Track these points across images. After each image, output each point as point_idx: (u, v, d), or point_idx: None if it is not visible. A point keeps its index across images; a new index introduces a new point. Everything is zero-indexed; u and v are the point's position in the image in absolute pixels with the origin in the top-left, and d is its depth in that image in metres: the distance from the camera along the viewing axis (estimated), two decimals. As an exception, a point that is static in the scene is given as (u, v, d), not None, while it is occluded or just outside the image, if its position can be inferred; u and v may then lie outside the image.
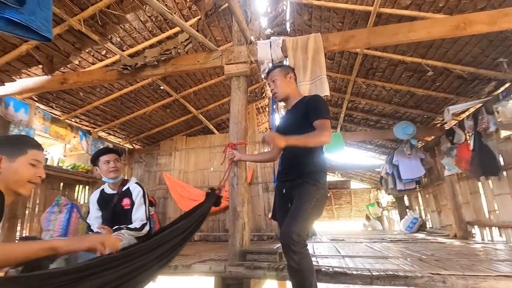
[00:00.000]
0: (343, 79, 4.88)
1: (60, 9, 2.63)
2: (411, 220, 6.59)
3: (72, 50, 3.14)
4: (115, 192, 2.42)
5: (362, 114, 5.96)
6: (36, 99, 4.08)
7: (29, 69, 3.35)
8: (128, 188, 2.49)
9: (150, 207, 2.99)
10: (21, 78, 3.41)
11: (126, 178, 2.62)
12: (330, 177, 11.53)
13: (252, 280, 2.31)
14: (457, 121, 4.81)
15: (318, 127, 1.76)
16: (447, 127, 5.08)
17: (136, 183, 2.57)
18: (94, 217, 2.40)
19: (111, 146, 5.44)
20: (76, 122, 4.85)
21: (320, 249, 3.53)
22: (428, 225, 6.52)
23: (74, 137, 4.66)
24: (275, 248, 3.08)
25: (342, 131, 6.67)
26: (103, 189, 2.47)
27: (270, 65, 2.86)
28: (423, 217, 6.73)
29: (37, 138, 4.12)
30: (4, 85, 3.21)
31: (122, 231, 2.22)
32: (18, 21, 1.23)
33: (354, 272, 2.02)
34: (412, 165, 5.85)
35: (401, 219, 7.36)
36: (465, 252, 3.12)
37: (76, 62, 3.61)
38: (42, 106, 4.23)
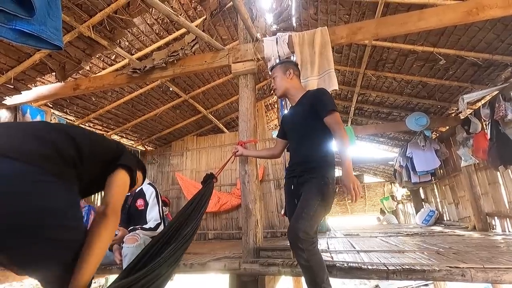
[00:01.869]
0: (352, 72, 4.81)
1: (70, 17, 2.69)
2: (427, 213, 6.46)
3: (83, 57, 3.21)
4: (129, 193, 2.48)
5: (373, 107, 5.86)
6: (51, 105, 4.20)
7: (43, 77, 3.46)
8: (142, 189, 2.55)
9: (164, 207, 3.05)
10: (36, 86, 3.52)
11: None
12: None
13: (267, 277, 2.32)
14: (472, 110, 4.66)
15: (331, 124, 1.74)
16: (462, 116, 4.93)
17: (149, 183, 2.62)
18: None
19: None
20: (90, 127, 4.98)
21: (334, 244, 3.51)
22: (445, 217, 6.37)
23: (88, 141, 4.79)
24: (288, 244, 3.09)
25: (353, 125, 6.57)
26: None
27: (277, 61, 2.85)
28: (440, 209, 6.58)
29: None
30: (20, 93, 3.33)
31: (137, 231, 2.28)
32: (29, 32, 1.27)
33: (370, 267, 2.00)
34: (427, 156, 5.71)
35: (416, 212, 7.22)
36: (485, 244, 3.04)
37: (87, 68, 3.70)
38: (57, 112, 4.35)
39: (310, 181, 1.69)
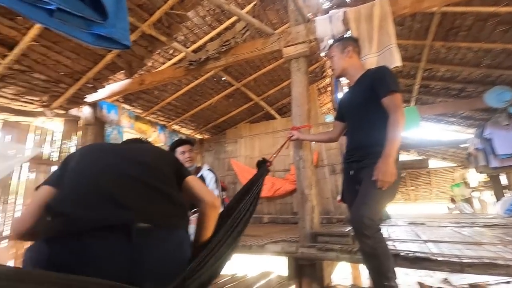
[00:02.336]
0: (416, 46, 4.32)
1: (133, 18, 2.93)
2: (510, 202, 5.62)
3: (146, 53, 3.49)
4: None
5: (442, 83, 5.21)
6: (121, 100, 4.70)
7: (114, 75, 3.87)
8: (202, 174, 2.72)
9: (222, 192, 3.22)
10: (108, 83, 3.97)
11: (199, 165, 2.87)
12: (405, 157, 10.55)
13: (325, 262, 2.32)
14: None
15: (389, 106, 1.61)
16: (561, 88, 4.09)
17: (209, 169, 2.78)
18: None
19: (183, 137, 5.98)
20: (154, 118, 5.45)
21: (396, 232, 3.31)
22: (536, 207, 5.46)
23: (153, 131, 5.27)
24: (346, 230, 3.02)
25: (417, 105, 5.96)
26: None
27: (330, 41, 2.71)
28: (528, 198, 5.66)
29: (125, 134, 4.75)
30: (97, 91, 3.79)
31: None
32: (104, 34, 1.43)
33: (440, 258, 1.84)
34: (511, 137, 4.92)
35: (497, 201, 6.34)
36: None
37: (150, 63, 4.02)
38: (126, 106, 4.86)
39: (372, 166, 1.60)
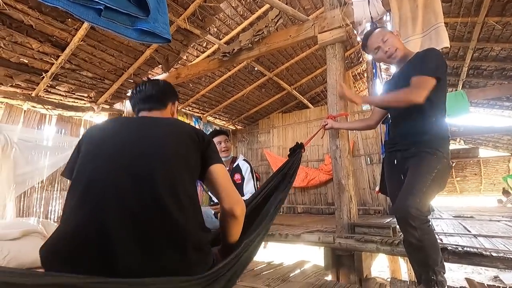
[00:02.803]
0: (466, 23, 3.93)
1: (169, 12, 3.02)
2: None
3: (181, 47, 3.60)
4: (227, 169, 2.74)
5: (496, 64, 4.70)
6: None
7: (152, 70, 4.05)
8: (238, 164, 2.78)
9: (256, 182, 3.26)
10: (148, 78, 4.16)
11: (235, 156, 2.92)
12: (451, 145, 9.80)
13: (364, 253, 2.27)
14: None
15: (412, 84, 1.51)
16: None
17: (244, 160, 2.83)
18: None
19: (218, 128, 6.12)
20: (190, 110, 5.63)
21: (441, 226, 3.12)
22: None
23: (189, 123, 5.46)
24: (385, 222, 2.91)
25: (466, 88, 5.47)
26: None
27: (368, 25, 2.56)
28: None
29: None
30: (138, 86, 4.00)
31: None
32: (147, 29, 1.50)
33: (494, 254, 1.71)
34: None
35: (560, 194, 5.67)
36: None
37: (185, 57, 4.14)
38: (164, 100, 5.07)
39: (420, 155, 1.51)
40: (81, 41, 2.95)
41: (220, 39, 3.97)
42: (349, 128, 2.50)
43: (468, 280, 2.07)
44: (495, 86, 5.15)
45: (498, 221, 3.58)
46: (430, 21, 2.26)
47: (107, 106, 4.26)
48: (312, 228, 2.97)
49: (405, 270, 4.73)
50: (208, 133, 5.49)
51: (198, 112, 5.80)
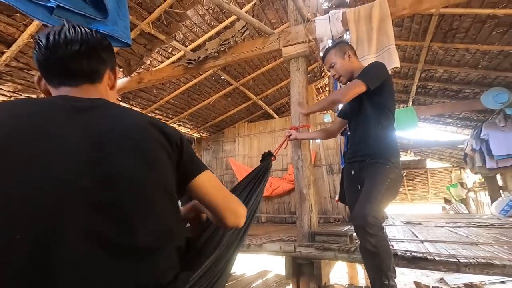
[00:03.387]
0: (414, 47, 4.34)
1: (132, 16, 2.92)
2: (506, 203, 5.65)
3: (144, 52, 3.48)
4: None
5: (439, 84, 5.24)
6: (120, 99, 4.68)
7: (113, 73, 3.85)
8: None
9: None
10: (107, 81, 3.94)
11: None
12: (403, 157, 10.60)
13: (323, 261, 2.33)
14: None
15: (345, 85, 1.69)
16: (557, 90, 4.13)
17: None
18: None
19: (182, 136, 5.97)
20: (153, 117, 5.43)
21: (393, 232, 3.33)
22: (531, 208, 5.52)
23: (151, 130, 5.25)
24: (343, 230, 3.03)
25: (415, 105, 6.00)
26: None
27: (330, 42, 2.71)
28: (523, 199, 5.71)
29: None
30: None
31: None
32: (105, 32, 1.43)
33: (437, 258, 1.86)
34: (508, 138, 4.96)
35: (492, 202, 6.39)
36: None
37: (148, 62, 4.01)
38: (125, 105, 4.84)
39: (374, 166, 1.62)
40: (32, 38, 2.72)
41: (186, 46, 3.92)
42: (311, 138, 2.60)
43: (416, 283, 2.22)
44: (439, 104, 5.72)
45: (442, 227, 3.91)
46: (383, 43, 2.46)
47: (60, 109, 3.94)
48: (274, 237, 2.99)
49: (362, 276, 4.95)
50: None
51: (161, 119, 5.61)
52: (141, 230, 0.59)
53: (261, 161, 1.95)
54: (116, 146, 0.62)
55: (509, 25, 3.41)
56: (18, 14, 2.48)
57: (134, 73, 3.79)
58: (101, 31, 1.43)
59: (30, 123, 0.59)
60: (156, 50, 3.78)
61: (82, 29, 0.71)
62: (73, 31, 0.69)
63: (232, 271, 2.87)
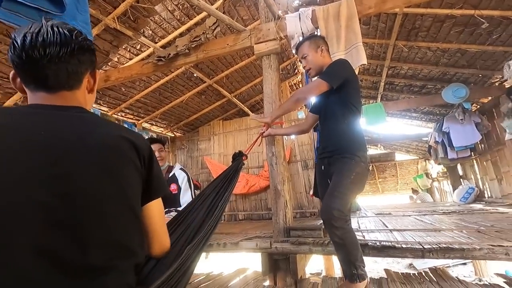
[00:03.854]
0: (381, 44, 4.52)
1: (96, 10, 2.77)
2: (466, 190, 6.12)
3: (111, 48, 3.32)
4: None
5: (405, 81, 5.52)
6: (85, 98, 4.44)
7: (77, 71, 3.64)
8: (174, 174, 2.66)
9: (195, 190, 3.17)
10: (71, 80, 3.72)
11: (171, 165, 2.80)
12: (373, 151, 11.06)
13: (298, 255, 2.37)
14: (520, 77, 4.23)
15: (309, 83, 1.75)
16: (507, 85, 4.50)
17: (181, 169, 2.73)
18: None
19: (154, 136, 5.79)
20: (122, 116, 5.22)
21: (365, 223, 3.47)
22: (487, 194, 6.00)
23: (122, 130, 5.04)
24: (318, 224, 3.10)
25: (383, 101, 6.27)
26: None
27: (301, 39, 2.75)
28: (481, 186, 6.20)
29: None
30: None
31: (171, 213, 2.40)
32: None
33: (404, 246, 1.96)
34: (466, 131, 5.34)
35: (454, 190, 6.87)
36: (533, 222, 2.84)
37: (115, 59, 3.83)
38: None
39: (341, 161, 1.66)
40: (-19, 33, 2.50)
41: (156, 42, 3.79)
42: (285, 134, 2.63)
43: (386, 270, 2.33)
44: (405, 100, 6.02)
45: (409, 215, 4.14)
46: (351, 40, 2.54)
47: (18, 110, 3.67)
48: (251, 234, 3.00)
49: (338, 267, 5.13)
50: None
51: (132, 118, 5.40)
52: (94, 248, 0.59)
53: (232, 161, 1.95)
54: (80, 160, 0.61)
55: (464, 24, 3.66)
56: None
57: (100, 70, 3.61)
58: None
59: None
60: (123, 47, 3.62)
61: (62, 30, 0.66)
62: (51, 32, 0.64)
63: (209, 271, 2.85)
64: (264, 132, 2.33)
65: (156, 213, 0.77)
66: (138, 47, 3.84)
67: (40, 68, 0.65)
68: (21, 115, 0.64)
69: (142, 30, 3.44)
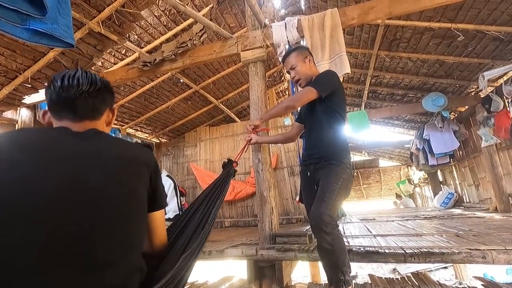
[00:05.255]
0: (364, 54, 4.67)
1: (79, 13, 2.72)
2: (446, 196, 6.33)
3: (95, 52, 3.25)
4: None
5: (387, 89, 5.70)
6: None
7: (58, 75, 3.54)
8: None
9: (181, 197, 3.13)
10: (52, 84, 3.61)
11: None
12: (357, 157, 11.27)
13: (284, 262, 2.37)
14: (494, 88, 4.45)
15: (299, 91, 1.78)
16: (482, 95, 4.73)
17: (167, 176, 2.69)
18: None
19: (139, 142, 5.68)
20: (106, 121, 5.10)
21: (350, 229, 3.51)
22: (465, 199, 6.23)
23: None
24: (304, 230, 3.12)
25: (367, 109, 6.43)
26: None
27: (287, 47, 2.79)
28: (459, 191, 6.43)
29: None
30: (38, 92, 3.43)
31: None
32: (43, 30, 1.30)
33: (387, 251, 2.00)
34: (445, 138, 5.55)
35: (434, 195, 7.09)
36: (507, 226, 2.96)
37: (99, 63, 3.76)
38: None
39: (328, 167, 1.69)
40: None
41: (142, 48, 3.76)
42: (271, 142, 2.64)
43: (370, 275, 2.36)
44: (387, 108, 6.20)
45: (393, 221, 4.23)
46: (335, 50, 2.60)
47: (-6, 114, 3.52)
48: (237, 241, 2.97)
49: (324, 273, 5.14)
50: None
51: (116, 123, 5.29)
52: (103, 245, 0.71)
53: (223, 169, 1.96)
54: (97, 169, 0.75)
55: (442, 37, 3.83)
56: None
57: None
58: (39, 29, 1.30)
59: (31, 148, 0.73)
60: (108, 51, 3.57)
61: (92, 74, 0.88)
62: (85, 76, 0.86)
63: (193, 280, 2.80)
64: (251, 139, 2.34)
65: (159, 219, 0.93)
66: (123, 51, 3.79)
67: (72, 100, 0.82)
68: (48, 134, 0.81)
69: (127, 35, 3.40)
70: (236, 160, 2.12)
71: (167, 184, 2.63)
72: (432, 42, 3.98)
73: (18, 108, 3.75)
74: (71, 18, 1.46)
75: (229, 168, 2.01)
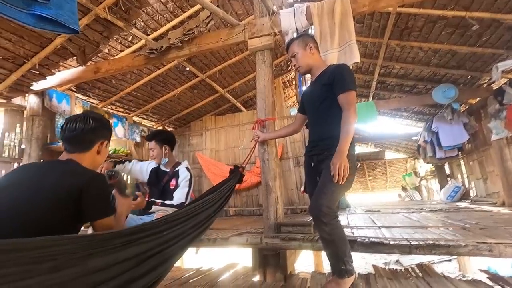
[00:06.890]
0: (374, 43, 4.55)
1: (86, -1, 2.69)
2: (452, 189, 6.26)
3: (101, 39, 3.23)
4: (168, 170, 2.62)
5: (397, 80, 5.58)
6: (74, 89, 4.34)
7: (65, 62, 3.54)
8: (178, 170, 2.64)
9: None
10: (59, 70, 3.62)
11: (178, 161, 2.80)
12: (363, 149, 11.19)
13: (288, 251, 2.38)
14: (507, 79, 4.32)
15: (343, 103, 1.70)
16: (495, 86, 4.59)
17: (186, 168, 2.70)
18: (139, 168, 2.75)
19: (145, 130, 5.70)
20: (112, 109, 5.12)
21: (355, 220, 3.52)
22: (472, 193, 6.15)
23: (111, 122, 4.94)
24: (308, 220, 3.13)
25: (375, 100, 6.33)
26: (159, 165, 2.70)
27: (295, 35, 2.73)
28: (466, 185, 6.35)
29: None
30: (45, 78, 3.45)
31: (167, 208, 2.36)
32: (47, 16, 1.29)
33: (392, 242, 2.00)
34: (454, 130, 5.44)
35: (441, 188, 7.02)
36: (515, 220, 2.92)
37: (106, 50, 3.74)
38: (81, 96, 4.50)
39: (330, 158, 1.67)
40: None
41: (148, 35, 3.72)
42: (277, 137, 2.63)
43: (374, 266, 2.37)
44: (396, 99, 6.09)
45: (398, 213, 4.22)
46: (345, 38, 2.54)
47: (3, 101, 3.56)
48: (242, 230, 3.00)
49: (327, 263, 5.19)
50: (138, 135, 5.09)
51: (122, 112, 5.31)
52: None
53: (229, 175, 2.04)
54: (37, 194, 1.02)
55: (456, 26, 3.71)
56: None
57: (89, 62, 3.53)
58: (44, 15, 1.28)
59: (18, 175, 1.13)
60: (114, 38, 3.54)
61: (90, 118, 1.22)
62: (84, 119, 1.20)
63: (198, 266, 2.84)
64: (258, 137, 2.40)
65: (99, 226, 1.09)
66: (130, 39, 3.76)
67: (69, 138, 1.18)
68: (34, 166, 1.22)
69: (134, 21, 3.37)
70: (243, 166, 2.18)
71: (183, 175, 2.64)
72: (445, 31, 3.86)
73: (27, 95, 3.78)
74: (76, 4, 1.44)
75: (236, 175, 2.07)
